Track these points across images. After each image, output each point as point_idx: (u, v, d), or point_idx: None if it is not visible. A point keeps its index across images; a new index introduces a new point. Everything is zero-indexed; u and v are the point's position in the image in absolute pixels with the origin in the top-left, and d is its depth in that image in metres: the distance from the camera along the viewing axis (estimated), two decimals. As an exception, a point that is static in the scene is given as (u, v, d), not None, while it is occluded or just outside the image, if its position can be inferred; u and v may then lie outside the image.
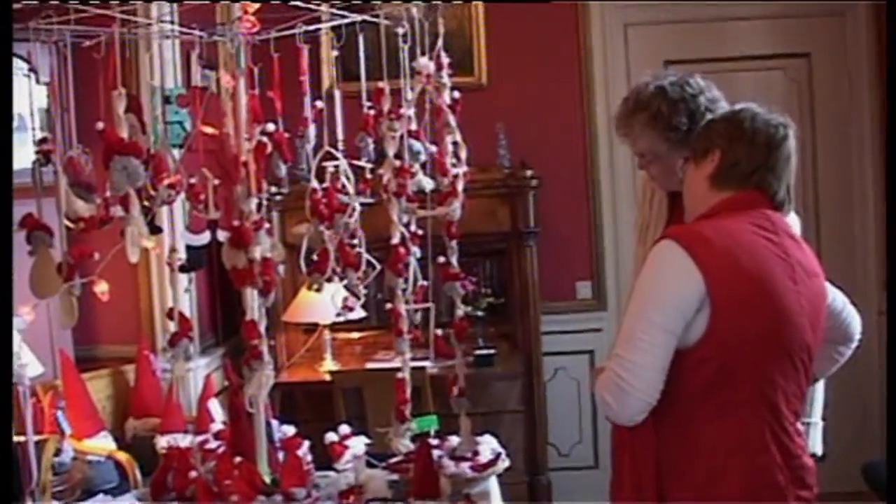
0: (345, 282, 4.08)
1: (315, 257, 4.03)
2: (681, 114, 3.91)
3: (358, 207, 4.11)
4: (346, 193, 4.08)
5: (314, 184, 4.01)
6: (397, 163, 4.10)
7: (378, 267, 4.16)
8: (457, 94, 4.24)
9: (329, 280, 4.06)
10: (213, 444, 4.48)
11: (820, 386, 4.08)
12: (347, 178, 4.10)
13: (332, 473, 4.43)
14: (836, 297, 3.76)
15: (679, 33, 7.77)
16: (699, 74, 4.11)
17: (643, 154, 4.07)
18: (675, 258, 3.29)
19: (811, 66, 7.95)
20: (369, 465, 4.47)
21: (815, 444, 4.07)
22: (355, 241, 4.12)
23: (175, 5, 4.68)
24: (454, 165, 4.25)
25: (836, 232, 7.78)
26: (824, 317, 3.53)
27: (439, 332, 4.33)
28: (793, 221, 3.81)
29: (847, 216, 7.93)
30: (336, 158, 4.06)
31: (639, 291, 3.38)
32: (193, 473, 4.02)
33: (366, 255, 4.12)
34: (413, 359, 4.26)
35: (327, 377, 6.58)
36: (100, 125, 3.63)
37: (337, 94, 4.21)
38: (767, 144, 3.42)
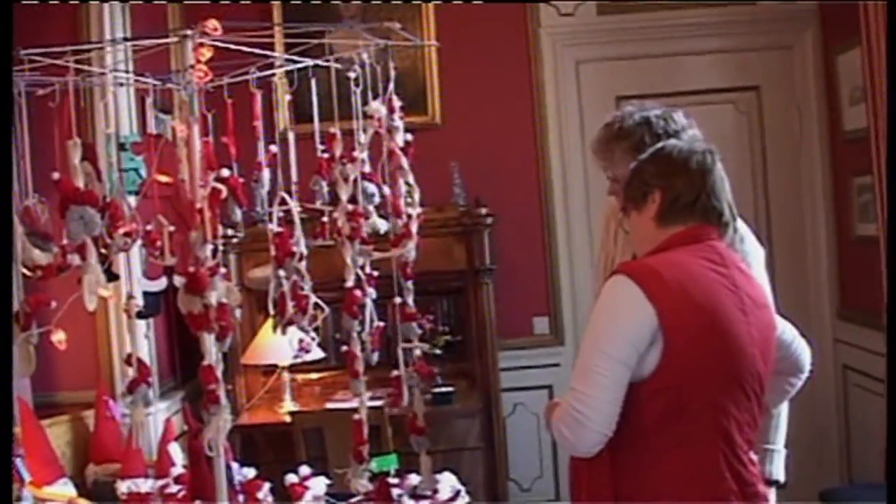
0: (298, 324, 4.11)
1: (272, 300, 4.06)
2: None
3: (304, 252, 4.13)
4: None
5: (274, 228, 4.05)
6: (350, 207, 4.13)
7: (326, 309, 4.19)
8: (409, 137, 4.28)
9: (290, 322, 4.09)
10: (173, 489, 4.49)
11: (783, 413, 4.12)
12: (301, 222, 4.12)
13: (293, 515, 4.44)
14: (786, 329, 3.81)
15: (630, 69, 7.85)
16: (681, 111, 4.18)
17: (617, 180, 4.13)
18: (628, 292, 3.36)
19: (760, 98, 8.05)
20: (329, 505, 4.48)
21: (779, 471, 4.11)
22: (305, 285, 4.14)
23: (129, 53, 4.71)
24: (408, 205, 4.29)
25: (788, 262, 7.87)
26: (774, 346, 3.58)
27: (396, 372, 4.37)
28: (742, 230, 3.89)
29: (799, 246, 8.01)
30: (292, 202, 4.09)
31: (593, 325, 3.43)
32: (155, 518, 4.02)
33: (315, 299, 4.14)
34: (371, 398, 4.28)
35: (287, 418, 6.58)
36: (55, 175, 3.65)
37: (291, 136, 4.24)
38: (701, 170, 3.53)
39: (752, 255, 4.03)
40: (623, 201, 3.71)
